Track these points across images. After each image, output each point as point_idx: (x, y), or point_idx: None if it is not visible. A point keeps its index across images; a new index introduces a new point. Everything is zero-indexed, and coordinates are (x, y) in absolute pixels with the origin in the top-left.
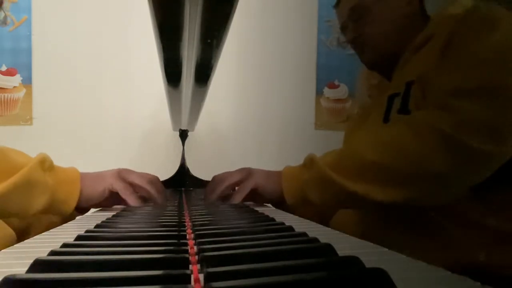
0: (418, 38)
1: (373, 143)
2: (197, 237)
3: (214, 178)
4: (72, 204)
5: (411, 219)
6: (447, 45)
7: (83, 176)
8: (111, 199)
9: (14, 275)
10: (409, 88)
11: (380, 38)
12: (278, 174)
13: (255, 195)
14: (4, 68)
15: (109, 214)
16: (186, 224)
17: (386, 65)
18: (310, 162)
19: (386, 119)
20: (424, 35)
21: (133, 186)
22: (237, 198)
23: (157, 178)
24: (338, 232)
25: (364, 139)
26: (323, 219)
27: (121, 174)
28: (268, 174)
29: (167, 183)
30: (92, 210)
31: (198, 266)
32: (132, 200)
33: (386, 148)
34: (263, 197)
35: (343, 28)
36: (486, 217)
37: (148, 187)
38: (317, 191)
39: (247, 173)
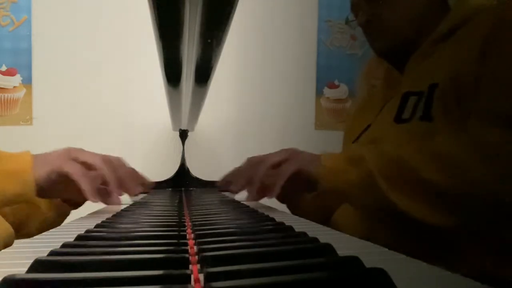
0: (439, 28)
1: (427, 157)
2: (197, 237)
3: (249, 160)
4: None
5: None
6: (489, 45)
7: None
8: (61, 186)
9: (14, 275)
10: (433, 90)
11: (397, 23)
12: (317, 159)
13: (294, 181)
14: (4, 68)
15: (109, 214)
16: (186, 224)
17: (399, 54)
18: (359, 160)
19: (398, 119)
20: (446, 26)
21: (87, 167)
22: (278, 184)
23: (119, 160)
24: (338, 232)
25: (413, 149)
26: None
27: (72, 153)
28: (313, 157)
29: (167, 183)
30: (92, 210)
31: (198, 266)
32: (85, 185)
33: (444, 168)
34: (303, 183)
35: (355, 7)
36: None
37: (103, 167)
38: (361, 195)
39: (291, 153)
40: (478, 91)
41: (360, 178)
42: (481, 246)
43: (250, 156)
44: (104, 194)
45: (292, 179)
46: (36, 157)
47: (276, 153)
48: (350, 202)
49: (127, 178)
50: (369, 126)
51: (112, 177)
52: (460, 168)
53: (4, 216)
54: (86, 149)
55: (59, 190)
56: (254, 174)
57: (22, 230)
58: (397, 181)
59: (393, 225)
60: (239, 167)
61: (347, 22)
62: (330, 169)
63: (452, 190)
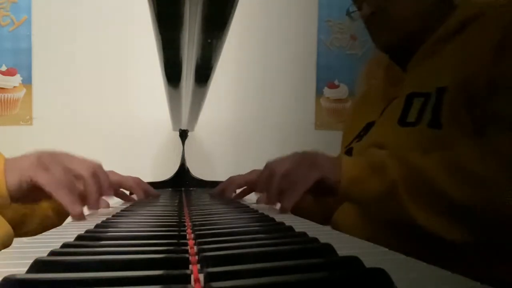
0: (445, 25)
1: (450, 171)
2: (197, 237)
3: (266, 166)
4: None
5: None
6: (503, 45)
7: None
8: (36, 194)
9: (14, 275)
10: (441, 95)
11: (402, 17)
12: (335, 162)
13: (313, 188)
14: (4, 68)
15: (109, 214)
16: (186, 224)
17: (402, 50)
18: (381, 168)
19: (402, 122)
20: (453, 23)
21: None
22: (296, 194)
23: (101, 170)
24: (338, 232)
25: (435, 160)
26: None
27: (44, 161)
28: (334, 163)
29: (167, 183)
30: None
31: (198, 266)
32: (63, 196)
33: (467, 182)
34: (321, 190)
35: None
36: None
37: (87, 177)
38: (381, 207)
39: (311, 159)
40: (493, 95)
41: (383, 189)
42: (503, 265)
43: (250, 156)
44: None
45: (312, 186)
46: (7, 162)
47: (293, 157)
48: (367, 212)
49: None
50: (368, 124)
51: (93, 188)
52: (484, 184)
53: (3, 215)
54: (85, 149)
55: (35, 197)
56: (271, 185)
57: (22, 229)
58: (418, 193)
59: (405, 235)
60: (236, 176)
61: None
62: (351, 178)
63: (475, 206)
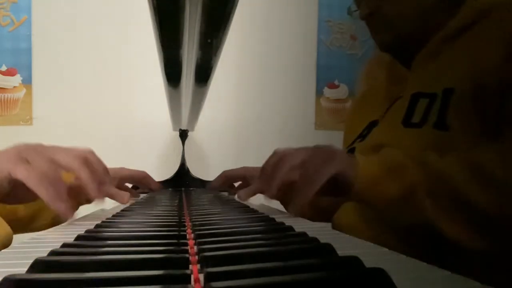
0: (450, 24)
1: (472, 175)
2: (197, 237)
3: (275, 152)
4: None
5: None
6: None
7: None
8: (22, 191)
9: (14, 275)
10: (448, 96)
11: (400, 17)
12: (350, 160)
13: (329, 187)
14: (4, 68)
15: (109, 214)
16: (186, 224)
17: (404, 50)
18: (399, 170)
19: (407, 122)
20: (460, 22)
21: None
22: (311, 189)
23: (91, 152)
24: (338, 232)
25: (455, 163)
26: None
27: (23, 154)
28: (350, 160)
29: (167, 183)
30: (92, 210)
31: (198, 266)
32: (44, 192)
33: (489, 188)
34: (334, 188)
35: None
36: None
37: (77, 167)
38: (398, 211)
39: (327, 154)
40: (506, 95)
41: (401, 192)
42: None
43: (250, 156)
44: (75, 196)
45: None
46: None
47: (307, 149)
48: (381, 215)
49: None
50: (371, 123)
51: (88, 180)
52: (507, 189)
53: (16, 210)
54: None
55: (21, 197)
56: (277, 169)
57: (34, 224)
58: (440, 197)
59: (415, 241)
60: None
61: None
62: (367, 178)
63: (499, 213)
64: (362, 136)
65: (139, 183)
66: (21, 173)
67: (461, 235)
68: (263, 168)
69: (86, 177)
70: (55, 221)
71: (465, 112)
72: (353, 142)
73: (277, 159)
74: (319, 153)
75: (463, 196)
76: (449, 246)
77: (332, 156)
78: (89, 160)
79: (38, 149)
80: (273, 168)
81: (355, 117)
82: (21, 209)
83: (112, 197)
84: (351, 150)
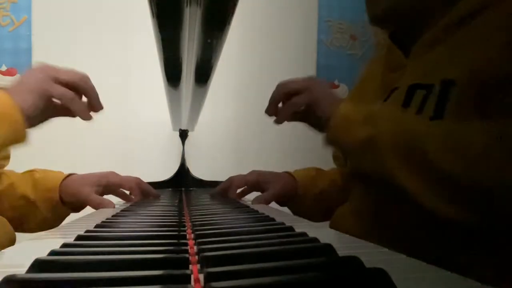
0: (454, 10)
1: (447, 147)
2: (197, 237)
3: (278, 86)
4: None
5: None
6: None
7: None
8: (49, 110)
9: (14, 275)
10: (447, 88)
11: None
12: (335, 101)
13: (305, 112)
14: (4, 68)
15: (109, 214)
16: (186, 224)
17: (403, 30)
18: (373, 119)
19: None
20: (464, 9)
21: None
22: (284, 114)
23: (86, 79)
24: (338, 232)
25: (430, 129)
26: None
27: (51, 73)
28: (331, 98)
29: (167, 183)
30: (92, 210)
31: (198, 266)
32: (78, 106)
33: (467, 159)
34: (310, 117)
35: None
36: None
37: (84, 84)
38: (359, 158)
39: (311, 84)
40: (508, 89)
41: (367, 138)
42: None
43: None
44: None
45: (304, 109)
46: (15, 88)
47: (298, 80)
48: (350, 160)
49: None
50: None
51: (92, 92)
52: (483, 162)
53: (2, 212)
54: (85, 149)
55: (47, 114)
56: (273, 96)
57: (20, 228)
58: (409, 160)
59: (394, 220)
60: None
61: None
62: (341, 118)
63: (471, 182)
64: None
65: (128, 190)
66: (56, 92)
67: (421, 192)
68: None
69: (91, 91)
70: (40, 228)
71: (464, 107)
72: None
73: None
74: (304, 83)
75: (431, 161)
76: (422, 213)
77: (314, 87)
78: (84, 79)
79: (57, 69)
80: (274, 92)
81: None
82: (9, 212)
83: None
84: None
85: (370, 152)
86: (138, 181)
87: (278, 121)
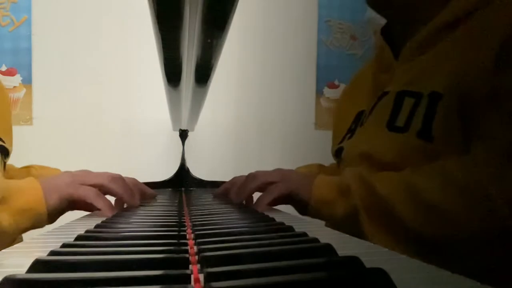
0: (444, 13)
1: (413, 203)
2: (197, 237)
3: (248, 175)
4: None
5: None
6: (506, 49)
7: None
8: (69, 209)
9: (14, 275)
10: (435, 101)
11: None
12: (310, 184)
13: (287, 201)
14: (4, 68)
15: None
16: (186, 224)
17: (396, 22)
18: (346, 191)
19: (391, 125)
20: (455, 12)
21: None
22: (263, 202)
23: (120, 176)
24: (338, 232)
25: (401, 191)
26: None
27: (79, 179)
28: (304, 182)
29: (167, 183)
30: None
31: (198, 266)
32: (102, 204)
33: (426, 212)
34: (294, 204)
35: None
36: None
37: (113, 186)
38: (347, 228)
39: (284, 175)
40: (491, 108)
41: (347, 212)
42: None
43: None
44: (117, 204)
45: (283, 199)
46: (44, 186)
47: (271, 172)
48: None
49: (135, 189)
50: (359, 113)
51: (122, 191)
52: (443, 215)
53: None
54: (86, 149)
55: (69, 209)
56: (246, 186)
57: None
58: (379, 220)
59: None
60: (239, 176)
61: None
62: (319, 199)
63: (430, 236)
64: (350, 131)
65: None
66: (82, 193)
67: (397, 244)
68: (234, 184)
69: (124, 194)
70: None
71: (451, 122)
72: (342, 139)
73: (247, 178)
74: (277, 176)
75: (397, 217)
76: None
77: (287, 178)
78: (117, 180)
79: (86, 175)
80: (242, 183)
81: (344, 107)
82: None
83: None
84: (339, 150)
85: (349, 224)
86: (134, 181)
87: (259, 208)
